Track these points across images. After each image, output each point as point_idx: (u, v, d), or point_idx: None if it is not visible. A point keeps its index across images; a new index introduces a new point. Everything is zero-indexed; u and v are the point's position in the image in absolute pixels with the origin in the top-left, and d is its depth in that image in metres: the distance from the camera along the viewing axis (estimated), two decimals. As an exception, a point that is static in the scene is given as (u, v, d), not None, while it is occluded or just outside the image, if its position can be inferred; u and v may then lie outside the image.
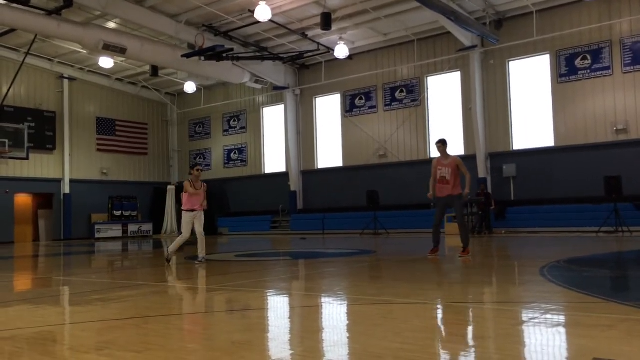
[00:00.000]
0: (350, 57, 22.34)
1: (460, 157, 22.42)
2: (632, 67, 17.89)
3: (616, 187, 16.10)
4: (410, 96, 22.44)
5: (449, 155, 9.48)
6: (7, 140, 21.84)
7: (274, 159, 26.67)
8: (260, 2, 17.58)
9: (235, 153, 28.01)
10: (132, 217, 27.18)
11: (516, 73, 20.30)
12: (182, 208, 9.77)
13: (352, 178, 23.53)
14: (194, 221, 9.64)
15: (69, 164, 25.82)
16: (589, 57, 18.67)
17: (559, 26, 18.96)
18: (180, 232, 10.10)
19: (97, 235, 25.29)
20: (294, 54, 22.66)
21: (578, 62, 18.85)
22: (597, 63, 18.51)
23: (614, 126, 18.20)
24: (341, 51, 21.11)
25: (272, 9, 18.01)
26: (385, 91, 23.06)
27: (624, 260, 9.52)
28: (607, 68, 18.33)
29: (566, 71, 19.08)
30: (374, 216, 20.58)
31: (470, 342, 3.57)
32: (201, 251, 9.66)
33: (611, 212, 16.15)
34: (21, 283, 8.42)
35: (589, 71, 18.68)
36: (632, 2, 17.90)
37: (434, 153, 21.25)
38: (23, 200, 25.26)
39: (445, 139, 9.69)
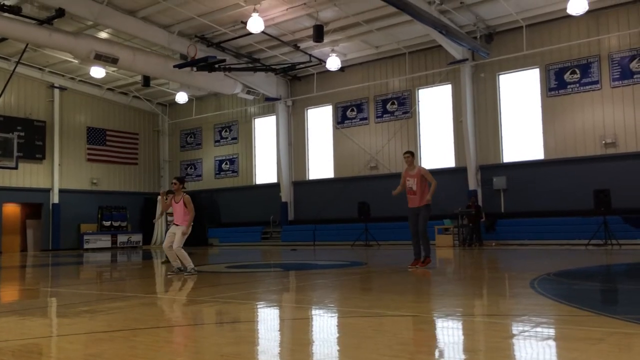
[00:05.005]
0: (342, 69, 22.45)
1: (451, 169, 22.38)
2: (620, 82, 18.10)
3: (605, 200, 16.22)
4: (401, 108, 22.54)
5: (415, 166, 9.91)
6: (-4, 150, 21.68)
7: (265, 169, 26.64)
8: (253, 14, 17.64)
9: (226, 164, 27.95)
10: (121, 227, 26.98)
11: (506, 86, 20.46)
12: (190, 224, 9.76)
13: (343, 189, 23.54)
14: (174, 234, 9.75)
15: (59, 173, 25.63)
16: (577, 71, 18.87)
17: (548, 41, 19.18)
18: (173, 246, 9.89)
19: (85, 246, 25.04)
20: (286, 65, 22.73)
21: (567, 77, 19.05)
22: (586, 77, 18.71)
23: (603, 140, 18.36)
24: (333, 63, 21.19)
25: (265, 21, 18.06)
26: (377, 103, 23.16)
27: (613, 273, 9.56)
28: (596, 82, 18.53)
29: (555, 85, 19.27)
30: (365, 228, 20.58)
31: (461, 355, 3.56)
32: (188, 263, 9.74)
33: (600, 225, 16.26)
34: (8, 294, 8.31)
35: (578, 85, 18.87)
36: (620, 17, 18.16)
37: (424, 164, 21.40)
38: (11, 209, 25.02)
39: (412, 150, 10.16)
